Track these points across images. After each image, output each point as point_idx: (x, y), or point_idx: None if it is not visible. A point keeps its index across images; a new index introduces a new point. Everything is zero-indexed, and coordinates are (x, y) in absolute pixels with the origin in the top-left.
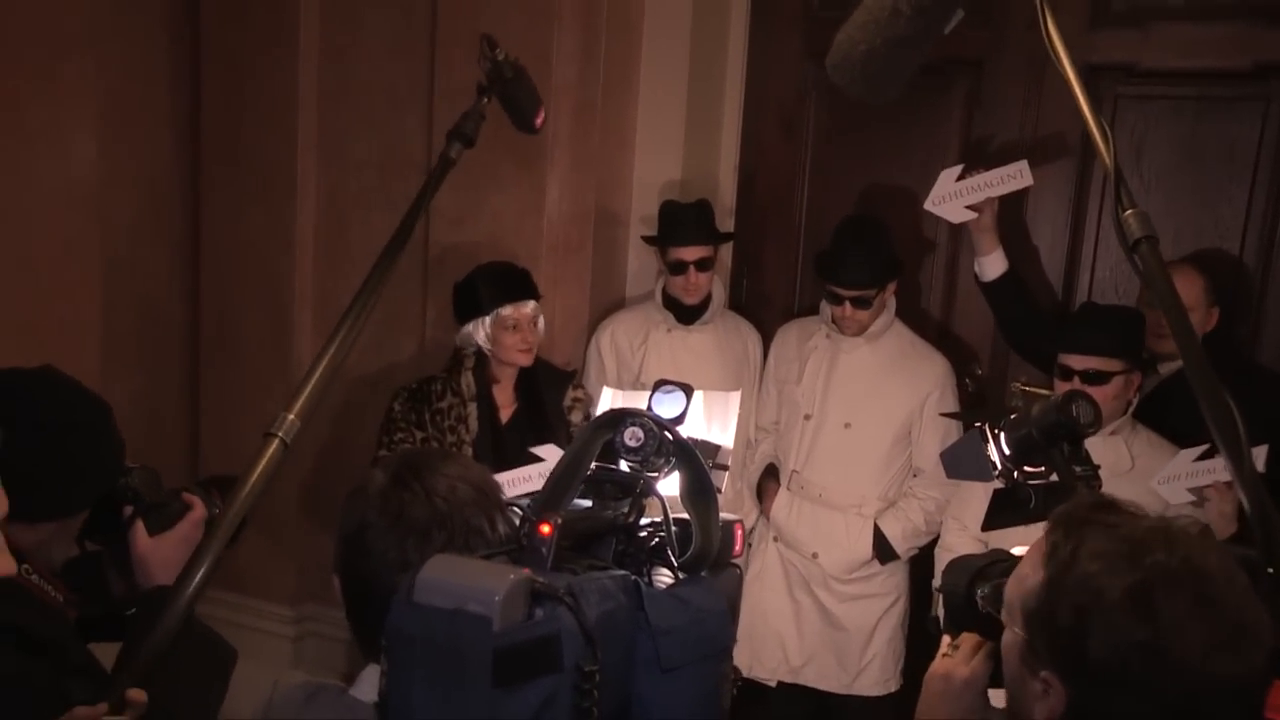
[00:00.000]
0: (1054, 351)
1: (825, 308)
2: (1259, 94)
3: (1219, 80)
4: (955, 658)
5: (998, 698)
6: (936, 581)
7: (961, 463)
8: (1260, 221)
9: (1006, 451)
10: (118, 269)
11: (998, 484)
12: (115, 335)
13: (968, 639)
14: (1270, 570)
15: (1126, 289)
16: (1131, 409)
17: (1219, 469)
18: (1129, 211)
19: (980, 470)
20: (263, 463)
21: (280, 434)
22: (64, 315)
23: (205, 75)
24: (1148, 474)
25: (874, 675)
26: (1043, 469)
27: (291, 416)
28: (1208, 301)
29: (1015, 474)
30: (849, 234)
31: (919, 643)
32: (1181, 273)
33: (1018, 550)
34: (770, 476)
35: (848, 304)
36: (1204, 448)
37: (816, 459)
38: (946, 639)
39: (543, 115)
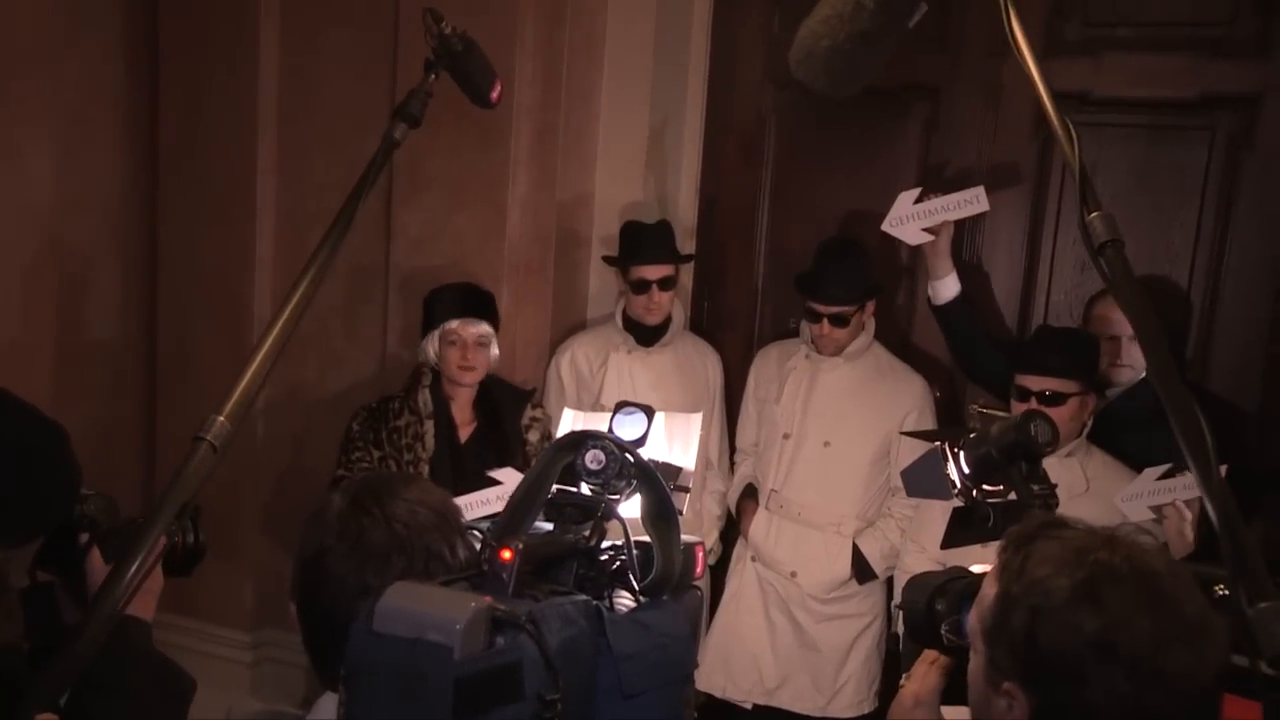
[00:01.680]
0: (1005, 375)
1: (805, 328)
2: (1205, 124)
3: (1169, 109)
4: (910, 678)
5: (951, 713)
6: (896, 600)
7: (921, 481)
8: (1209, 244)
9: (966, 470)
10: (73, 290)
11: (957, 503)
12: (69, 358)
13: (920, 659)
14: (1221, 588)
15: (1081, 313)
16: (1086, 431)
17: (1179, 488)
18: (1094, 214)
19: (940, 489)
20: (190, 467)
21: (209, 438)
22: (16, 337)
23: (163, 94)
24: (1103, 495)
25: (849, 697)
26: (1001, 488)
27: (221, 419)
28: None
29: (974, 492)
30: (830, 253)
31: (895, 663)
32: None
33: (976, 568)
34: (749, 497)
35: (826, 321)
36: (1167, 467)
37: (795, 478)
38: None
39: (499, 88)
